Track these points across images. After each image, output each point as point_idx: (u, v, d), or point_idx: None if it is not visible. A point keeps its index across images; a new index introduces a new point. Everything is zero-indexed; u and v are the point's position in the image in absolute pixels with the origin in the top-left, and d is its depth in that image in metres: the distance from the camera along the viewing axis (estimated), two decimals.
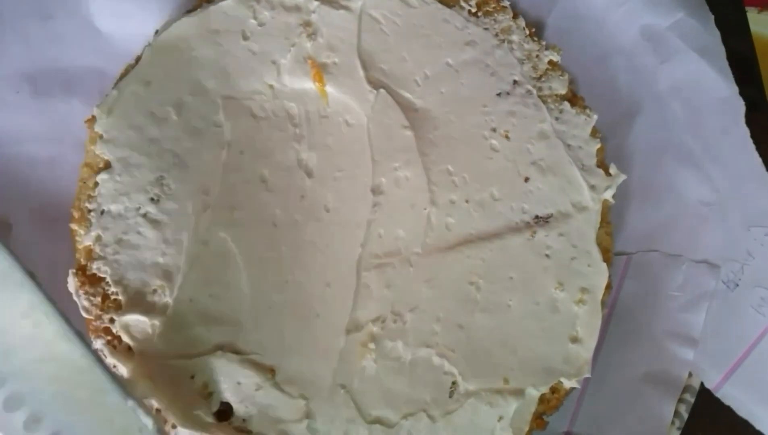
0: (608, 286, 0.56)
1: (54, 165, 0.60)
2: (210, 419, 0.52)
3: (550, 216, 0.57)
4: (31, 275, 0.44)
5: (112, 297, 0.54)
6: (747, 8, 0.67)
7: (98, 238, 0.54)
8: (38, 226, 0.59)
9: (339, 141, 0.57)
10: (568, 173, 0.57)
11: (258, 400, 0.53)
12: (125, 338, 0.53)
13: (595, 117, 0.59)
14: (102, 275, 0.54)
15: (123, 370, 0.52)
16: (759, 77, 0.67)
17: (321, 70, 0.57)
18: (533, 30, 0.61)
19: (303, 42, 0.58)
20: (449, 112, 0.58)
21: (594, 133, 0.59)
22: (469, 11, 0.60)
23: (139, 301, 0.53)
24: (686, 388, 0.59)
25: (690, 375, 0.59)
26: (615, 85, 0.64)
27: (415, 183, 0.57)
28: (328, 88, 0.58)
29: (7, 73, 0.60)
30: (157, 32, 0.59)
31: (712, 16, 0.61)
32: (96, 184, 0.55)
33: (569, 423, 0.60)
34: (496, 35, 0.60)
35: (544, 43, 0.60)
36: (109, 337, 0.53)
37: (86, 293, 0.54)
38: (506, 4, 0.61)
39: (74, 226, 0.55)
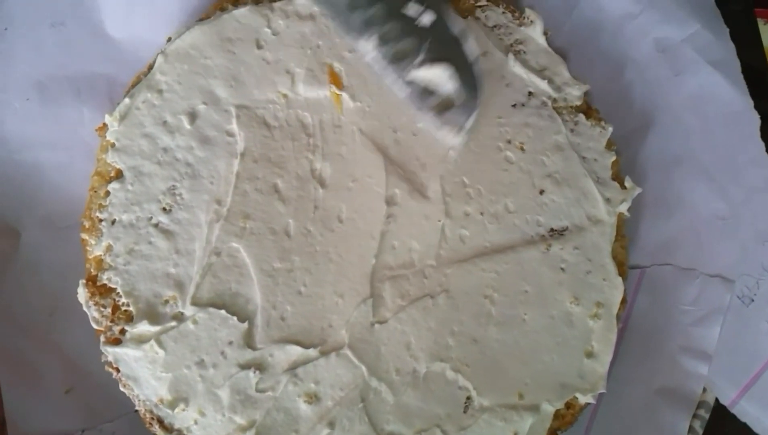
0: (623, 301, 0.56)
1: (64, 172, 0.59)
2: None
3: (565, 229, 0.56)
4: None
5: (123, 308, 0.53)
6: (758, 19, 0.67)
7: (109, 248, 0.54)
8: (48, 234, 0.59)
9: (352, 151, 0.57)
10: (583, 186, 0.57)
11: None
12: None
13: (610, 129, 0.58)
14: (113, 286, 0.53)
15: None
16: None
17: (338, 76, 0.57)
18: (548, 37, 0.60)
19: (317, 50, 0.57)
20: None
21: (609, 145, 0.58)
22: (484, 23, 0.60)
23: (150, 312, 0.53)
24: (701, 404, 0.58)
25: (705, 390, 0.59)
26: (629, 98, 0.63)
27: (429, 194, 0.56)
28: (343, 96, 0.57)
29: (17, 79, 0.59)
30: (169, 40, 0.58)
31: (727, 29, 0.60)
32: (107, 193, 0.55)
33: None
34: (511, 46, 0.60)
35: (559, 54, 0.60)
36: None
37: (96, 304, 0.53)
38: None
39: (85, 236, 0.54)
